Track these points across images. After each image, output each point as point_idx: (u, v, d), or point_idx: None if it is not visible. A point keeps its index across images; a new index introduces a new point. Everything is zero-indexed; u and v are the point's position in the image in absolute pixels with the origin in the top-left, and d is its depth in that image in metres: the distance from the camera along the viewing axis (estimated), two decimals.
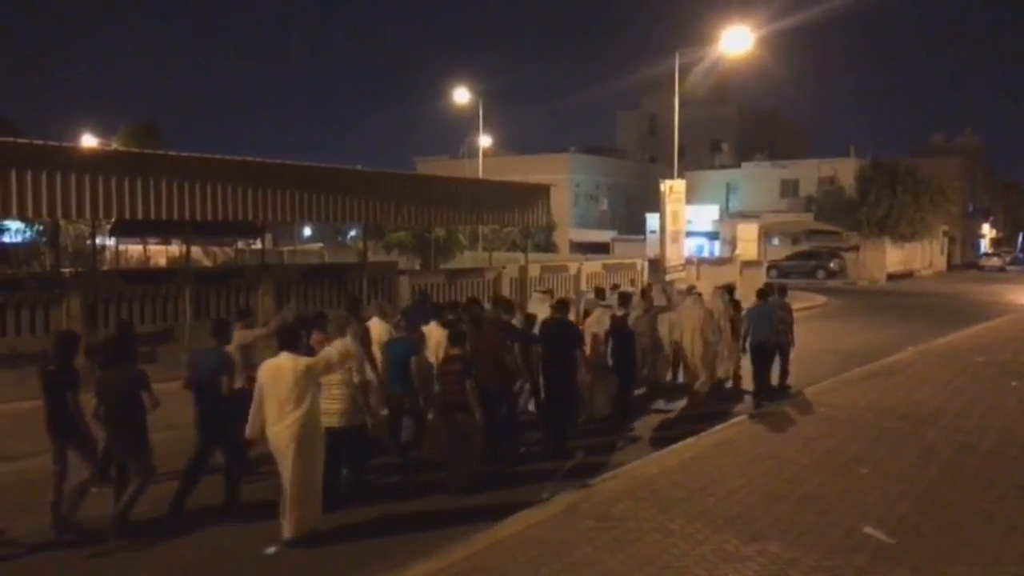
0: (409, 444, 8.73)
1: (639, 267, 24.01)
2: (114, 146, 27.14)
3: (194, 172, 13.17)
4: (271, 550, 6.41)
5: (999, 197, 70.59)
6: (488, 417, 8.12)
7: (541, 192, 20.00)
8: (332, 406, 7.07)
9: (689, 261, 26.05)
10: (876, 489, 7.74)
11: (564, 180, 48.70)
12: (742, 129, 65.84)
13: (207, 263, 28.16)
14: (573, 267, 22.06)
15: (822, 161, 52.99)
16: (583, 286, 20.42)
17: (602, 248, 46.95)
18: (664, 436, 10.13)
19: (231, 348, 7.80)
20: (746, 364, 12.75)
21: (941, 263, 53.88)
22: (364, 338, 7.93)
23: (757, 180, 54.43)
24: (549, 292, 13.68)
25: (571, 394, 9.53)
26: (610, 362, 10.67)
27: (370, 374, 7.59)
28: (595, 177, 58.57)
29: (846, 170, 49.13)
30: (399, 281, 16.87)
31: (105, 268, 21.42)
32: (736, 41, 25.43)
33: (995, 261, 54.59)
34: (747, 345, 12.49)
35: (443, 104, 44.69)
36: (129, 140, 32.72)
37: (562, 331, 9.51)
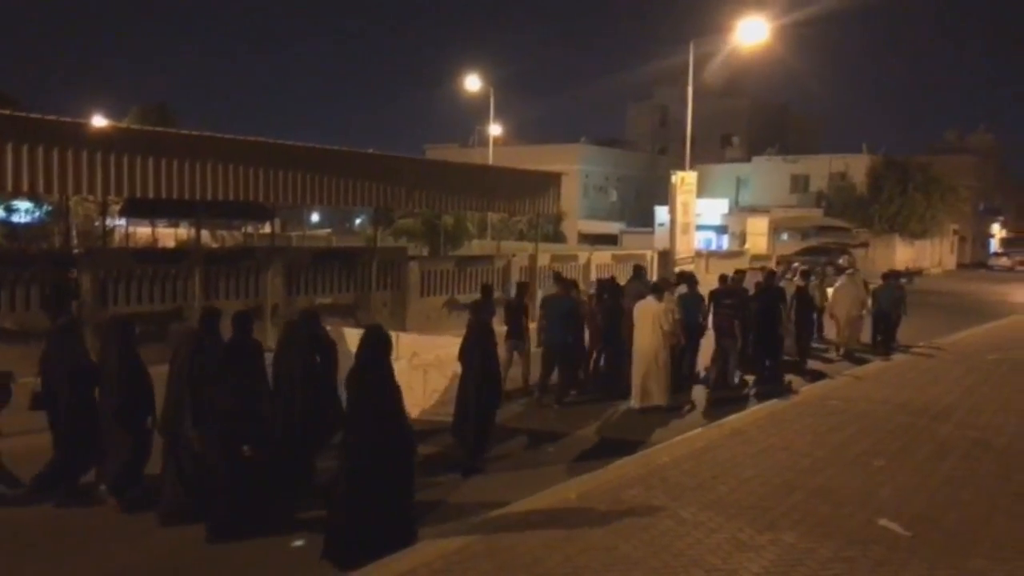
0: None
1: (648, 258, 23.87)
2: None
3: (205, 152, 13.05)
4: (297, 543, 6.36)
5: (1012, 196, 69.74)
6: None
7: (552, 180, 19.85)
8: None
9: (698, 254, 25.93)
10: (891, 482, 7.66)
11: (573, 171, 48.39)
12: (754, 123, 65.37)
13: (215, 247, 28.06)
14: (583, 257, 21.98)
15: (833, 156, 52.66)
16: (592, 276, 20.32)
17: (610, 240, 46.73)
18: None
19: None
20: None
21: (951, 261, 53.57)
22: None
23: (767, 174, 54.17)
24: (750, 269, 17.77)
25: (777, 341, 12.86)
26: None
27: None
28: (604, 168, 58.32)
29: (857, 166, 48.84)
30: (409, 267, 16.78)
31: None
32: (751, 33, 25.25)
33: (1004, 261, 54.10)
34: (873, 314, 15.70)
35: (453, 92, 44.45)
36: (140, 122, 32.72)
37: (771, 293, 13.07)
